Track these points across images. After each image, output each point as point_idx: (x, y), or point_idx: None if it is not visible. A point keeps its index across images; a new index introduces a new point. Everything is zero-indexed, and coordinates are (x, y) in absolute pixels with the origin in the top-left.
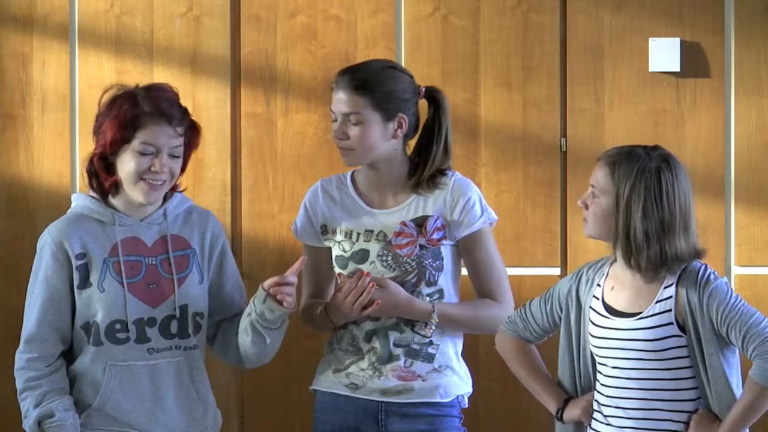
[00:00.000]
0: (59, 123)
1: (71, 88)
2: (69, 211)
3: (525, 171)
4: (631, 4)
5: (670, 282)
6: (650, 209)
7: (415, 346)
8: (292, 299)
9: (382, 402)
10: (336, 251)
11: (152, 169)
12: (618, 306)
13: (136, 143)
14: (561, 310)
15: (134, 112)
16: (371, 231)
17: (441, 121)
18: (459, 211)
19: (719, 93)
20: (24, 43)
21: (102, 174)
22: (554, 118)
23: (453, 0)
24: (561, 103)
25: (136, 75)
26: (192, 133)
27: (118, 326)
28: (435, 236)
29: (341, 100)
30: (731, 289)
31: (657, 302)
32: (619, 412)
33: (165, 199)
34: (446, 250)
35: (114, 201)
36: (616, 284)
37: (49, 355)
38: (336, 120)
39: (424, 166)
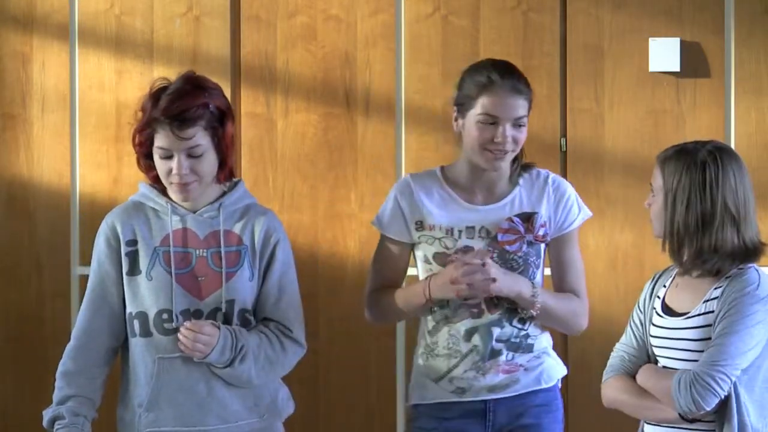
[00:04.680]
0: (59, 123)
1: (71, 88)
2: (129, 198)
3: None
4: (631, 4)
5: (721, 284)
6: (693, 202)
7: (515, 340)
8: (200, 353)
9: (490, 400)
10: (435, 248)
11: (172, 171)
12: (675, 306)
13: (155, 147)
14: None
15: (150, 116)
16: (473, 227)
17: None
18: (561, 210)
19: (719, 93)
20: (24, 43)
21: (146, 166)
22: (554, 118)
23: (453, 0)
24: (561, 103)
25: (136, 75)
26: (218, 126)
27: (165, 316)
28: (540, 233)
29: (516, 104)
30: (761, 304)
31: (704, 302)
32: None
33: (231, 189)
34: (543, 247)
35: (171, 193)
36: (682, 282)
37: (92, 354)
38: (493, 123)
39: (520, 160)
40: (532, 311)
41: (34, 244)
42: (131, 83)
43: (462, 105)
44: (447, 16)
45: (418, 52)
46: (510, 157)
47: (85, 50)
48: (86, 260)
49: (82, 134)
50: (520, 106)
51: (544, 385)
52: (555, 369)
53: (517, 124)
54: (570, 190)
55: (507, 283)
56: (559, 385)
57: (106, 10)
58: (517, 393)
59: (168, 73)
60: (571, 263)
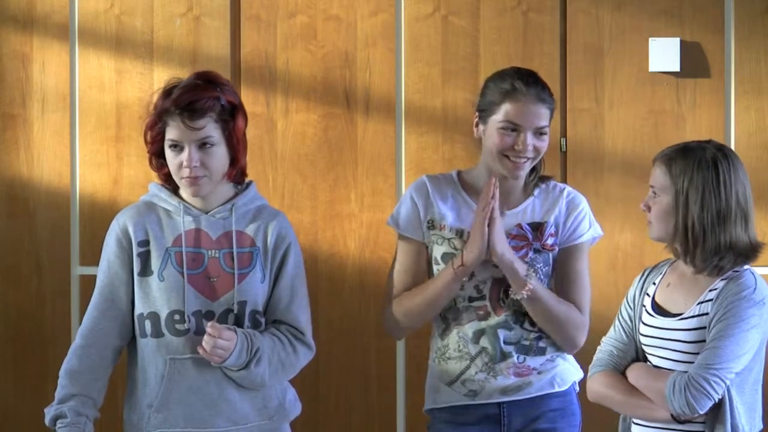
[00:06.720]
0: (59, 123)
1: (71, 88)
2: (140, 198)
3: None
4: (631, 4)
5: (716, 286)
6: (707, 200)
7: (525, 342)
8: (218, 358)
9: (504, 403)
10: (444, 248)
11: (183, 164)
12: (666, 305)
13: (166, 141)
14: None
15: (161, 108)
16: None
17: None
18: (571, 222)
19: (719, 93)
20: (24, 43)
21: (158, 164)
22: (554, 118)
23: (453, 0)
24: (561, 103)
25: (136, 75)
26: (229, 120)
27: (177, 317)
28: (549, 241)
29: (539, 113)
30: (757, 308)
31: (698, 304)
32: None
33: (242, 190)
34: (554, 257)
35: (183, 192)
36: (674, 282)
37: (98, 354)
38: (515, 131)
39: (538, 171)
40: (522, 292)
41: (34, 244)
42: (131, 83)
43: (484, 111)
44: (447, 16)
45: (418, 52)
46: (529, 165)
47: (85, 50)
48: (86, 260)
49: (82, 134)
50: (543, 116)
51: (557, 389)
52: (569, 372)
53: (538, 132)
54: (584, 205)
55: (507, 251)
56: (576, 389)
57: (106, 10)
58: (530, 396)
59: (168, 73)
60: (575, 277)
